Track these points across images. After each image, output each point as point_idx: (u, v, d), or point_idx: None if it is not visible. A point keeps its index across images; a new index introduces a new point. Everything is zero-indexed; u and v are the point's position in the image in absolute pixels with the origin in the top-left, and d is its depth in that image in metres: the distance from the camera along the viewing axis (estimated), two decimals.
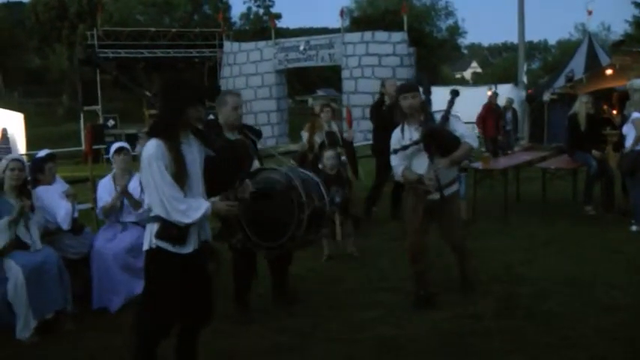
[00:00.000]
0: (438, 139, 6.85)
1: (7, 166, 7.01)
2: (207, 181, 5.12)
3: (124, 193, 7.77)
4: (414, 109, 7.00)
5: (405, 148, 6.99)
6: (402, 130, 7.14)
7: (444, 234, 7.54)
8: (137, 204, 7.75)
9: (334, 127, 11.13)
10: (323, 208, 6.75)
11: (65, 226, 7.46)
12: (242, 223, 6.61)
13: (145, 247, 5.02)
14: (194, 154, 5.00)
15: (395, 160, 7.18)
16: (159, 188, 4.79)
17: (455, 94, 7.16)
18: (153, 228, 4.93)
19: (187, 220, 4.84)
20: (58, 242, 7.53)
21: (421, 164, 6.98)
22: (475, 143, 7.17)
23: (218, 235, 5.84)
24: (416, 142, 6.92)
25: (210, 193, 5.18)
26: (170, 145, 4.81)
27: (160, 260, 4.96)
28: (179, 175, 4.82)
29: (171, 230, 4.88)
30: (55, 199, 7.57)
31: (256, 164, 6.86)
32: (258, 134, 7.34)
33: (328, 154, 9.73)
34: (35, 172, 7.89)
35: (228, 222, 6.68)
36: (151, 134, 4.94)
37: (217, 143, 5.21)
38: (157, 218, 4.90)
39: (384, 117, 11.62)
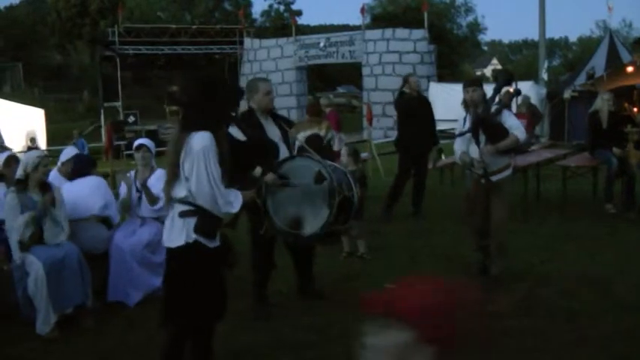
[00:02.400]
0: (487, 127, 7.61)
1: (40, 162, 7.06)
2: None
3: (143, 187, 7.82)
4: (474, 101, 7.78)
5: (462, 134, 7.87)
6: (465, 119, 7.98)
7: (491, 218, 7.81)
8: (154, 199, 7.78)
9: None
10: (351, 199, 6.71)
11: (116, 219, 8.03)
12: (269, 211, 6.64)
13: (179, 242, 4.95)
14: None
15: (456, 144, 8.11)
16: (213, 180, 4.85)
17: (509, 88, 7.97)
18: (189, 222, 4.92)
19: (233, 210, 5.09)
20: (85, 231, 7.65)
21: (476, 149, 7.71)
22: (522, 136, 7.82)
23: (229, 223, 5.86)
24: (469, 130, 7.74)
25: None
26: (220, 139, 4.96)
27: (196, 255, 4.95)
28: (225, 168, 4.96)
29: (211, 223, 4.96)
30: (88, 190, 7.91)
31: (286, 153, 6.92)
32: (290, 124, 7.41)
33: (342, 152, 9.79)
34: (88, 166, 8.31)
35: (256, 211, 6.71)
36: (201, 127, 4.94)
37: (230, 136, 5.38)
38: (193, 212, 4.91)
39: (408, 107, 11.65)
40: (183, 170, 4.91)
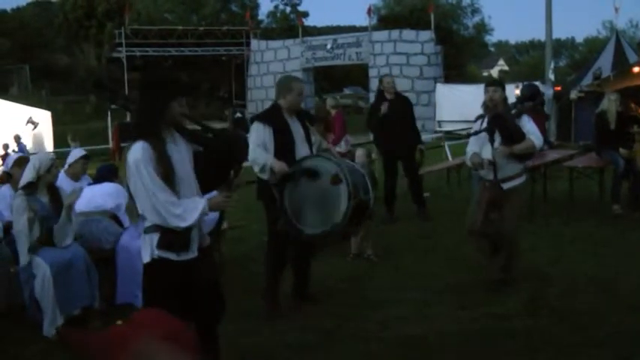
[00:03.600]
0: (502, 125, 7.47)
1: (52, 164, 7.12)
2: (199, 178, 4.90)
3: None
4: (493, 102, 7.62)
5: (476, 133, 7.74)
6: (482, 120, 7.81)
7: (502, 224, 7.71)
8: None
9: None
10: (367, 203, 6.65)
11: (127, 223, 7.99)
12: (286, 206, 6.64)
13: (146, 259, 4.76)
14: (182, 152, 4.77)
15: (469, 145, 7.96)
16: (151, 194, 4.53)
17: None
18: (153, 238, 4.69)
19: (185, 224, 4.60)
20: (96, 224, 7.73)
21: (489, 152, 7.57)
22: (539, 142, 7.62)
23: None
24: (485, 129, 7.58)
25: (204, 190, 4.92)
26: (155, 145, 4.56)
27: (163, 271, 4.73)
28: (168, 176, 4.56)
29: (173, 238, 4.67)
30: (106, 192, 8.10)
31: (307, 151, 6.98)
32: (312, 120, 7.48)
33: (358, 153, 9.81)
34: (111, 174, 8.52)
35: (273, 205, 6.76)
36: (134, 137, 4.67)
37: (203, 137, 5.01)
38: (155, 227, 4.67)
39: (382, 121, 11.58)
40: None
